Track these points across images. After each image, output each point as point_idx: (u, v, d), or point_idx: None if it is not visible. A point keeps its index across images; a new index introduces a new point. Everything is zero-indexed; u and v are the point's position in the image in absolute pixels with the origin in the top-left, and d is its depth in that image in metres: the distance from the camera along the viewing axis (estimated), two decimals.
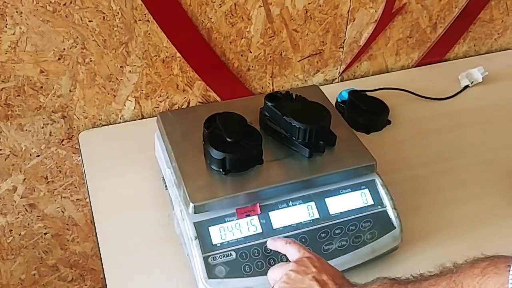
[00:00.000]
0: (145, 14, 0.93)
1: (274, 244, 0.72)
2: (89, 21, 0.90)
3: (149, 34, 0.95)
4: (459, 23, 1.19)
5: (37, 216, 1.10)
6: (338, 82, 1.17)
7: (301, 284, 0.64)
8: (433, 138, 1.02)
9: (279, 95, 0.83)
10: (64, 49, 0.91)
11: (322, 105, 0.83)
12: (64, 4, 0.86)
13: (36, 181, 1.05)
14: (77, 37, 0.91)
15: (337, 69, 1.15)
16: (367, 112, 1.03)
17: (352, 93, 1.06)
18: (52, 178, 1.06)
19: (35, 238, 1.13)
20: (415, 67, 1.23)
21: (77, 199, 1.11)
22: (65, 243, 1.17)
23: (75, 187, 1.09)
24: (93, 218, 0.87)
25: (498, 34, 1.26)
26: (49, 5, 0.86)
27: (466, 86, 1.15)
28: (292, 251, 0.70)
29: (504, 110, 1.10)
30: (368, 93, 1.09)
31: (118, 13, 0.91)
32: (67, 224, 1.14)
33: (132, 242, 0.82)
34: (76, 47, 0.92)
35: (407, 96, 1.12)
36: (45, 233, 1.13)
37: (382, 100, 1.06)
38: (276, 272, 0.68)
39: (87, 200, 1.11)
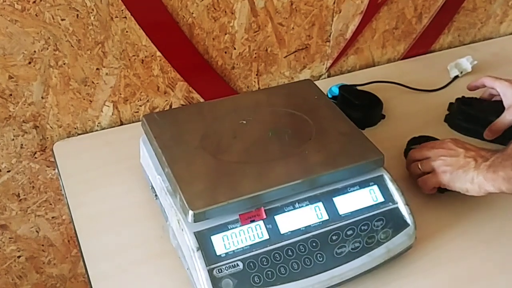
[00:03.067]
0: (122, 11, 0.85)
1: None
2: (62, 20, 0.82)
3: (126, 32, 0.88)
4: (443, 12, 1.16)
5: (9, 238, 1.00)
6: (325, 78, 1.13)
7: (459, 163, 0.76)
8: (431, 130, 0.98)
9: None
10: (35, 51, 0.83)
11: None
12: (34, 2, 0.79)
13: (7, 199, 0.96)
14: (49, 38, 0.83)
15: (323, 64, 1.10)
16: (361, 107, 0.98)
17: (343, 88, 1.01)
18: (24, 195, 0.97)
19: (8, 263, 1.04)
20: (401, 59, 1.19)
21: (52, 217, 1.02)
22: (41, 266, 1.07)
23: (50, 204, 1.00)
24: (76, 236, 0.78)
25: (481, 23, 1.24)
26: (17, 3, 0.78)
27: (456, 77, 1.12)
28: (432, 145, 0.83)
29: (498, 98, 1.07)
30: (359, 87, 1.04)
31: (93, 10, 0.83)
32: (43, 245, 1.05)
33: (123, 260, 0.74)
34: (47, 49, 0.84)
35: (398, 89, 1.08)
36: (19, 256, 1.04)
37: (374, 94, 1.02)
38: (424, 154, 0.81)
39: (64, 217, 1.03)
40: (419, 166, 0.81)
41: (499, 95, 0.93)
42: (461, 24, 1.22)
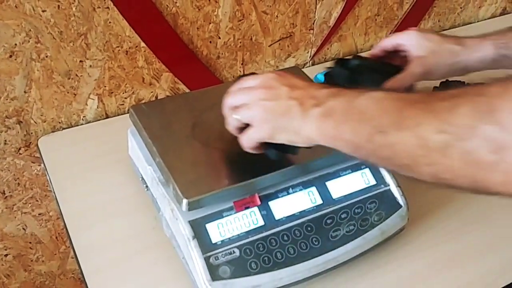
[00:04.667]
0: (105, 1, 0.84)
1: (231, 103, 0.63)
2: (43, 11, 0.80)
3: (109, 22, 0.86)
4: None
5: None
6: (309, 66, 1.13)
7: (281, 109, 0.57)
8: None
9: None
10: (16, 44, 0.81)
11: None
12: None
13: None
14: (30, 30, 0.81)
15: (308, 52, 1.10)
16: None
17: (328, 75, 1.01)
18: (10, 192, 0.95)
19: None
20: None
21: (39, 214, 1.00)
22: (29, 263, 1.05)
23: (37, 201, 0.98)
24: (67, 231, 0.77)
25: (461, 8, 1.25)
26: None
27: None
28: (250, 83, 0.62)
29: (480, 81, 1.08)
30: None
31: (74, 0, 0.81)
32: (30, 243, 1.03)
33: (116, 254, 0.73)
34: (29, 41, 0.82)
35: None
36: (6, 255, 1.02)
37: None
38: (239, 99, 0.61)
39: (51, 214, 1.01)
40: (237, 116, 0.61)
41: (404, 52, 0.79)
42: (441, 9, 1.23)
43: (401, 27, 1.19)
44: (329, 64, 1.02)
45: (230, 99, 0.62)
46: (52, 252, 1.06)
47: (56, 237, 1.04)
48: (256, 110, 0.59)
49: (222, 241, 0.65)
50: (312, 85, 0.59)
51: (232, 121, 0.62)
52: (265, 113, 0.58)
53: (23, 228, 1.00)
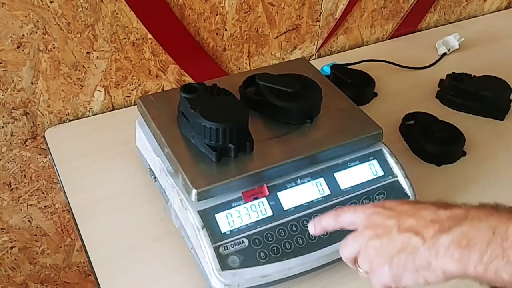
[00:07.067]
0: None
1: (321, 226, 0.57)
2: (50, 2, 0.80)
3: (117, 14, 0.86)
4: None
5: (1, 229, 0.98)
6: (315, 58, 1.12)
7: (395, 246, 0.49)
8: (423, 106, 0.99)
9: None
10: (24, 35, 0.81)
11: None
12: None
13: None
14: (38, 21, 0.81)
15: (314, 44, 1.10)
16: (353, 85, 0.98)
17: (334, 67, 1.01)
18: (16, 184, 0.95)
19: (0, 254, 1.01)
20: (389, 39, 1.20)
21: (45, 206, 1.00)
22: (34, 256, 1.06)
23: (43, 193, 0.98)
24: (75, 222, 0.77)
25: (466, 1, 1.25)
26: None
27: (444, 54, 1.13)
28: (349, 219, 0.55)
29: (486, 74, 1.08)
30: (350, 67, 1.04)
31: None
32: (36, 235, 1.03)
33: (125, 244, 0.73)
34: (36, 32, 0.82)
35: (388, 68, 1.08)
36: (11, 247, 1.02)
37: (366, 72, 1.02)
38: (351, 249, 0.53)
39: (56, 206, 1.01)
40: (359, 267, 0.54)
41: None
42: (447, 2, 1.23)
43: (407, 20, 1.19)
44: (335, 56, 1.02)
45: (344, 253, 0.55)
46: (57, 245, 1.06)
47: (62, 230, 1.04)
48: (369, 255, 0.51)
49: (231, 231, 0.66)
50: (421, 208, 0.51)
51: (359, 272, 0.54)
52: (378, 256, 0.50)
53: (29, 221, 1.00)
